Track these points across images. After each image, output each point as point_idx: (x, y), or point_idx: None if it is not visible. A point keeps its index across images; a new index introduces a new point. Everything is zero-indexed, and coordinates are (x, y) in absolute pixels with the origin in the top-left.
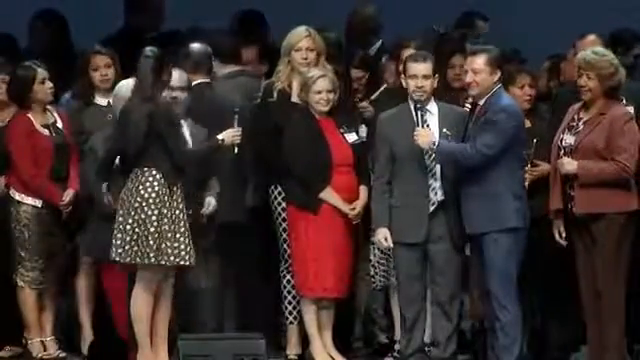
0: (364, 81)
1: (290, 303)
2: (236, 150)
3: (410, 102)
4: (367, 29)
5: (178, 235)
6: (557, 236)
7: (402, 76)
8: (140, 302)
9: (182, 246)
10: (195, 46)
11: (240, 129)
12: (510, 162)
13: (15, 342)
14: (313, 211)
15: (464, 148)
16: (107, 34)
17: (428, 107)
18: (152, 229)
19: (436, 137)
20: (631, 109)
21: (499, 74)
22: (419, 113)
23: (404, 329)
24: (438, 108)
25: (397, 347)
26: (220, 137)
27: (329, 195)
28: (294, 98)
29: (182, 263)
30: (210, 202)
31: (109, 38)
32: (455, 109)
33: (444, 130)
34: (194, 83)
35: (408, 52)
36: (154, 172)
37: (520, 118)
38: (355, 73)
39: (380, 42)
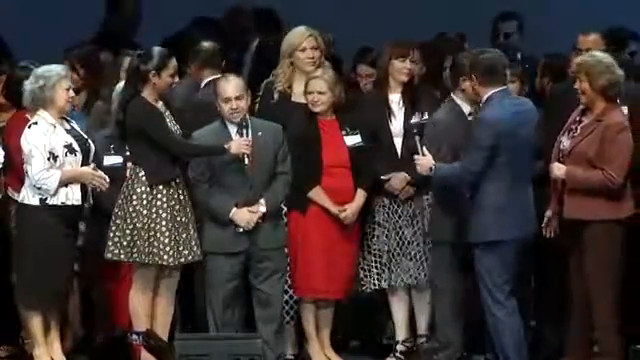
0: (373, 78)
1: (287, 303)
2: (246, 161)
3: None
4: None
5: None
6: (547, 234)
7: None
8: (136, 300)
9: (188, 243)
10: (205, 43)
11: (250, 139)
12: (491, 172)
13: (11, 342)
14: (302, 211)
15: (455, 168)
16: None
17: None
18: (139, 225)
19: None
20: (625, 109)
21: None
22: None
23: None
24: None
25: (398, 347)
26: (227, 145)
27: (317, 195)
28: (294, 98)
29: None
30: None
31: (87, 40)
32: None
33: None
34: (205, 80)
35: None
36: (137, 170)
37: (497, 126)
38: (364, 70)
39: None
